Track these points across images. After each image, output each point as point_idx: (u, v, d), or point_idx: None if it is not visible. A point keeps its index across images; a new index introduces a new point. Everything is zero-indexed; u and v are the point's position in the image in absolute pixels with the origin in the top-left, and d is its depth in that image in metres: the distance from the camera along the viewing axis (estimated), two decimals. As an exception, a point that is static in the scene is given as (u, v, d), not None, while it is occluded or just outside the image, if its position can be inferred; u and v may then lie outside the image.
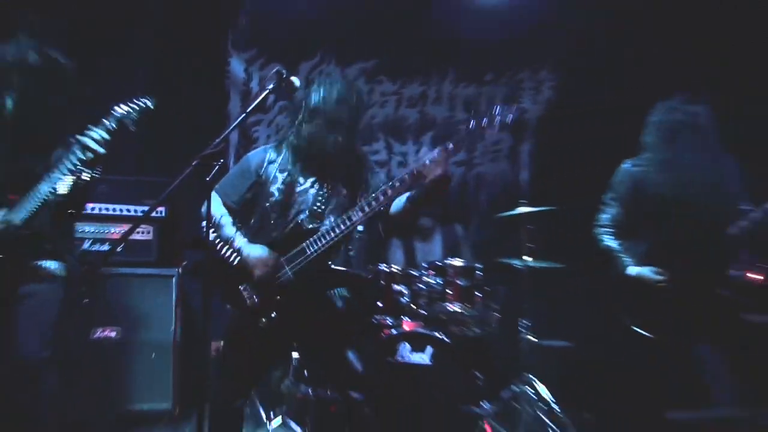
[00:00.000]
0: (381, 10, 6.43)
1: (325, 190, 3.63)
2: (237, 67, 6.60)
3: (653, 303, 4.16)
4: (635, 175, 4.33)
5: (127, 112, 3.82)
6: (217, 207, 3.63)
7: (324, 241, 3.46)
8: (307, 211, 3.60)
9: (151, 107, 3.88)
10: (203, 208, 3.19)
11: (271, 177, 3.66)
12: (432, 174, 3.29)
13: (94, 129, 3.74)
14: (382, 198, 3.40)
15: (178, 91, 6.36)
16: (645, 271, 4.19)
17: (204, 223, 3.21)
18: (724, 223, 4.01)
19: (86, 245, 5.42)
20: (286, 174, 3.66)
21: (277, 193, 3.63)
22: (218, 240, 3.59)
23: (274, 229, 3.61)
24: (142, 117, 3.87)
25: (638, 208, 4.30)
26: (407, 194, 3.45)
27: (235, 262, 3.54)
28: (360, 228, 3.53)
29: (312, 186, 3.64)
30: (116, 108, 3.81)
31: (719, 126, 4.14)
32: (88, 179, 3.84)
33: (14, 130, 3.76)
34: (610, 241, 4.39)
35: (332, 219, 3.56)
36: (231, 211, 3.68)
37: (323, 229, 3.49)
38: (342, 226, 3.44)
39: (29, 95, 3.76)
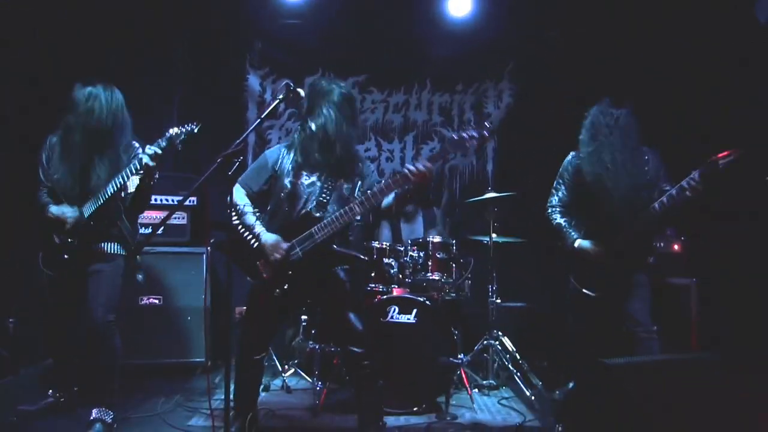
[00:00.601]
0: (369, 33, 6.41)
1: (329, 183, 3.55)
2: (253, 81, 6.53)
3: (594, 269, 4.12)
4: (575, 164, 4.28)
5: (176, 134, 3.82)
6: (240, 197, 3.60)
7: (329, 228, 3.43)
8: (314, 201, 3.52)
9: (195, 131, 3.85)
10: (229, 198, 3.22)
11: (285, 171, 3.59)
12: (415, 178, 3.28)
13: (150, 146, 3.77)
14: (377, 193, 3.37)
15: (206, 102, 6.38)
16: (586, 243, 4.15)
17: (229, 210, 3.30)
18: (645, 201, 3.95)
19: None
20: (297, 169, 3.58)
21: (289, 186, 3.56)
22: (240, 225, 3.56)
23: (287, 216, 3.55)
24: (189, 138, 3.87)
25: (578, 191, 4.25)
26: (394, 191, 3.44)
27: (255, 245, 3.50)
28: (357, 217, 3.45)
29: (318, 180, 3.56)
30: (169, 130, 3.82)
31: (639, 123, 4.06)
32: (149, 182, 3.93)
33: (84, 151, 3.83)
34: (559, 219, 4.33)
35: (335, 208, 3.49)
36: (251, 199, 3.63)
37: (328, 217, 3.44)
38: (345, 216, 3.40)
39: (92, 126, 3.81)
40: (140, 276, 4.37)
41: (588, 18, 6.10)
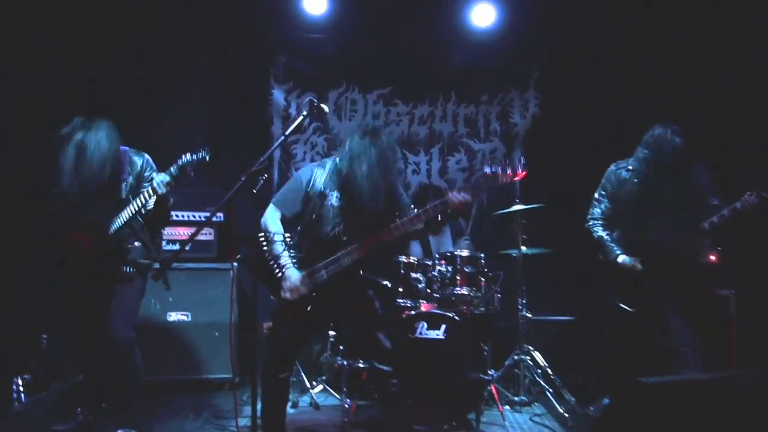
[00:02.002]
0: (393, 45, 6.34)
1: (365, 210, 3.44)
2: (278, 96, 6.49)
3: (633, 284, 4.06)
4: (620, 176, 4.22)
5: (188, 161, 3.80)
6: (273, 221, 3.53)
7: (356, 254, 3.38)
8: (343, 225, 3.45)
9: (208, 160, 3.84)
10: (262, 219, 3.31)
11: (318, 192, 3.52)
12: (458, 205, 3.29)
13: (161, 175, 3.80)
14: (408, 222, 3.36)
15: (231, 117, 6.39)
16: (630, 260, 4.08)
17: (259, 233, 3.37)
18: (694, 218, 3.90)
19: (162, 245, 5.35)
20: (328, 191, 3.52)
21: (323, 208, 3.49)
22: (268, 253, 3.48)
23: (317, 236, 3.48)
24: (201, 166, 3.86)
25: (620, 204, 4.19)
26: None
27: (278, 276, 3.45)
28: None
29: (352, 204, 3.48)
30: (182, 157, 3.82)
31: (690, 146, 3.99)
32: (164, 205, 3.96)
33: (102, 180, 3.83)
34: (601, 232, 4.26)
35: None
36: (285, 221, 3.57)
37: (359, 242, 3.37)
38: (372, 243, 3.37)
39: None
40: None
41: (614, 26, 6.01)
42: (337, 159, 3.56)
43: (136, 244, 3.95)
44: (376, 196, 3.38)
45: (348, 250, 3.36)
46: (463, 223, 5.78)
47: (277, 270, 3.44)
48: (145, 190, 3.80)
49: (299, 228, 3.58)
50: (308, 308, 3.43)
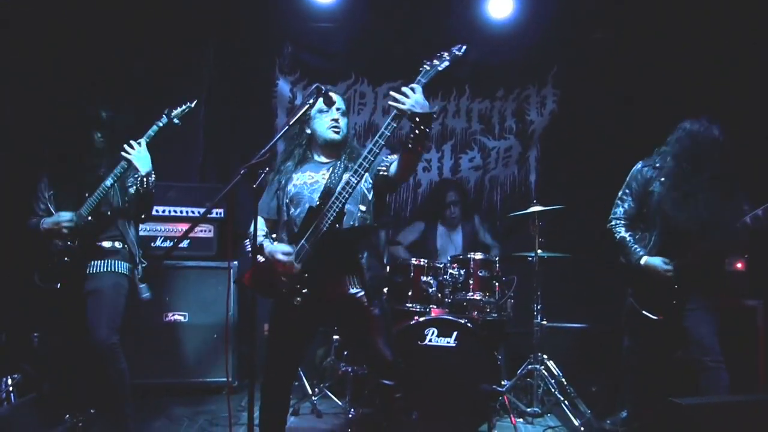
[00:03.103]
0: (404, 36, 6.11)
1: (333, 177, 3.24)
2: (284, 87, 6.31)
3: (658, 289, 3.85)
4: (645, 175, 4.01)
5: (174, 112, 3.92)
6: (259, 227, 3.30)
7: (331, 212, 3.07)
8: (318, 196, 3.21)
9: (192, 106, 3.98)
10: (251, 228, 3.01)
11: (288, 177, 3.35)
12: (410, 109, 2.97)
13: (132, 142, 3.80)
14: (365, 162, 3.03)
15: (234, 109, 6.24)
16: (656, 261, 3.85)
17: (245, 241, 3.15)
18: (725, 222, 3.69)
19: (158, 242, 5.33)
20: (300, 173, 3.35)
21: (293, 189, 3.31)
22: (251, 252, 3.21)
23: (293, 221, 3.27)
24: (186, 113, 3.96)
25: (648, 204, 3.98)
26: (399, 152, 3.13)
27: (263, 260, 3.23)
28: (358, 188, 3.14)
29: (321, 177, 3.29)
30: (167, 110, 3.92)
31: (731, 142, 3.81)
32: (147, 187, 3.85)
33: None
34: (624, 233, 4.04)
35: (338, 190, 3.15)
36: (270, 223, 3.41)
37: (329, 202, 3.10)
38: (344, 193, 3.06)
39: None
40: (146, 294, 4.15)
41: (635, 19, 5.81)
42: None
43: (117, 244, 3.87)
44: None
45: (328, 206, 3.09)
46: (477, 219, 5.60)
47: (260, 255, 3.24)
48: (113, 172, 3.77)
49: (281, 223, 3.40)
50: (304, 291, 3.16)
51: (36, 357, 5.05)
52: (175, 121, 3.87)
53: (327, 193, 3.19)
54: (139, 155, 3.76)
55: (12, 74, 4.91)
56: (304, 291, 3.17)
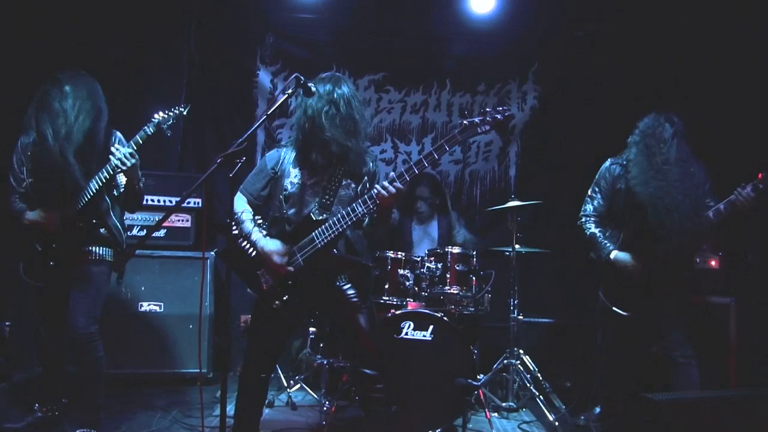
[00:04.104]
0: (387, 29, 6.15)
1: (333, 183, 3.25)
2: (264, 78, 6.26)
3: (628, 285, 3.91)
4: (614, 173, 4.08)
5: (164, 118, 3.65)
6: (240, 204, 3.35)
7: (330, 231, 3.12)
8: (317, 204, 3.23)
9: (185, 113, 3.73)
10: (230, 206, 3.04)
11: (286, 172, 3.31)
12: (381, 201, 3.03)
13: (121, 147, 3.58)
14: (369, 201, 3.06)
15: (214, 100, 6.20)
16: (624, 256, 3.92)
17: (229, 219, 3.12)
18: (690, 217, 3.72)
19: (135, 231, 5.25)
20: (298, 169, 3.30)
21: (290, 187, 3.28)
22: (239, 235, 3.30)
23: (288, 220, 3.27)
24: (177, 122, 3.72)
25: (616, 201, 4.06)
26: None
27: (253, 254, 3.25)
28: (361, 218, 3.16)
29: (321, 180, 3.27)
30: (156, 115, 3.63)
31: (686, 137, 3.88)
32: (134, 181, 3.74)
33: (58, 154, 3.55)
34: (594, 229, 4.10)
35: (339, 209, 3.19)
36: (253, 206, 3.38)
37: (330, 220, 3.14)
38: (346, 218, 3.10)
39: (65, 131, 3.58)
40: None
41: (616, 18, 5.86)
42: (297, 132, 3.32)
43: (101, 230, 3.72)
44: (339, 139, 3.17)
45: (325, 226, 3.14)
46: (455, 215, 5.58)
47: (250, 248, 3.25)
48: (108, 165, 3.55)
49: (269, 213, 3.39)
50: (285, 297, 3.21)
51: (7, 346, 5.00)
52: (168, 133, 3.66)
53: (326, 206, 3.21)
54: (132, 166, 3.58)
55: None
56: (284, 297, 3.21)
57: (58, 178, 3.55)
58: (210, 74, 6.17)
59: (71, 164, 3.52)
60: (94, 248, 3.71)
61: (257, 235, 3.26)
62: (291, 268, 3.17)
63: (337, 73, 3.38)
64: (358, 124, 3.23)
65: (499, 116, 2.90)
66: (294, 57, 6.23)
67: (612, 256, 3.94)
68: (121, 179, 3.77)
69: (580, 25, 6.10)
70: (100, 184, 3.58)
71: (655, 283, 3.83)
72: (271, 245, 3.20)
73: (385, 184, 2.99)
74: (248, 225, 3.29)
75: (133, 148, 3.55)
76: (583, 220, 4.15)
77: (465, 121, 2.94)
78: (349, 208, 3.11)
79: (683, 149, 3.83)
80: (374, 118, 6.27)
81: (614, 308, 3.97)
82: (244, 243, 3.27)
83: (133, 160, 3.55)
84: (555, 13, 5.99)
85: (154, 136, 3.64)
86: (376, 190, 3.01)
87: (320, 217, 3.18)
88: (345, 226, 3.11)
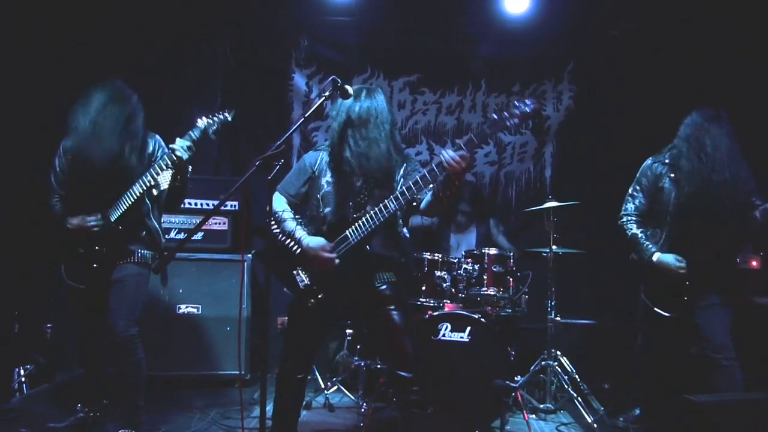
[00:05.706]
0: (421, 30, 6.18)
1: (368, 184, 3.29)
2: (299, 81, 6.34)
3: (670, 286, 3.86)
4: (656, 171, 4.03)
5: (209, 123, 3.74)
6: (279, 203, 3.41)
7: (363, 229, 3.18)
8: (352, 203, 3.28)
9: (230, 119, 3.80)
10: (269, 206, 3.05)
11: (323, 172, 3.38)
12: (450, 168, 2.94)
13: (181, 139, 3.66)
14: (412, 186, 3.07)
15: (250, 104, 6.23)
16: (668, 258, 3.86)
17: (269, 219, 3.14)
18: (737, 216, 3.69)
19: (172, 234, 5.32)
20: (334, 170, 3.34)
21: (326, 186, 3.34)
22: (281, 233, 3.36)
23: (323, 219, 3.32)
24: (222, 127, 3.80)
25: (658, 199, 4.00)
26: (431, 187, 3.12)
27: (297, 251, 3.30)
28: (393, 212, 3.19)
29: (357, 181, 3.30)
30: (199, 120, 3.72)
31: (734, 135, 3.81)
32: (183, 178, 3.79)
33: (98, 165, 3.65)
34: (635, 230, 4.06)
35: (371, 208, 3.22)
36: (292, 205, 3.45)
37: (364, 218, 3.18)
38: (379, 215, 3.14)
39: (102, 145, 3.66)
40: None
41: (653, 16, 5.81)
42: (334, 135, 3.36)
43: (142, 233, 3.82)
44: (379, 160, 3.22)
45: (358, 224, 3.18)
46: (492, 221, 5.57)
47: (294, 246, 3.30)
48: (156, 165, 3.66)
49: (307, 212, 3.45)
50: (320, 296, 3.27)
51: (49, 348, 5.12)
52: (213, 137, 3.77)
53: (360, 205, 3.27)
54: (186, 160, 3.67)
55: (13, 68, 4.94)
56: (320, 296, 3.26)
57: (100, 181, 3.64)
58: (245, 78, 6.24)
59: (114, 168, 3.61)
60: (136, 248, 3.80)
61: (301, 232, 3.32)
62: (338, 261, 3.21)
63: (365, 86, 3.40)
64: (380, 142, 3.25)
65: (526, 108, 2.90)
66: (328, 59, 6.28)
67: (654, 258, 3.90)
68: (162, 181, 3.82)
69: (615, 24, 6.05)
70: (144, 188, 3.67)
71: (698, 283, 3.78)
72: (316, 241, 3.25)
73: (450, 152, 2.95)
74: (290, 224, 3.35)
75: (188, 143, 3.65)
76: (625, 219, 4.11)
77: (493, 115, 2.98)
78: (381, 205, 3.15)
79: (731, 147, 3.77)
80: (409, 119, 6.31)
81: (656, 309, 3.94)
82: (288, 240, 3.32)
83: (190, 153, 3.64)
84: (590, 12, 5.95)
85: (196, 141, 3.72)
86: (445, 158, 2.94)
87: (354, 215, 3.23)
88: (378, 223, 3.15)
